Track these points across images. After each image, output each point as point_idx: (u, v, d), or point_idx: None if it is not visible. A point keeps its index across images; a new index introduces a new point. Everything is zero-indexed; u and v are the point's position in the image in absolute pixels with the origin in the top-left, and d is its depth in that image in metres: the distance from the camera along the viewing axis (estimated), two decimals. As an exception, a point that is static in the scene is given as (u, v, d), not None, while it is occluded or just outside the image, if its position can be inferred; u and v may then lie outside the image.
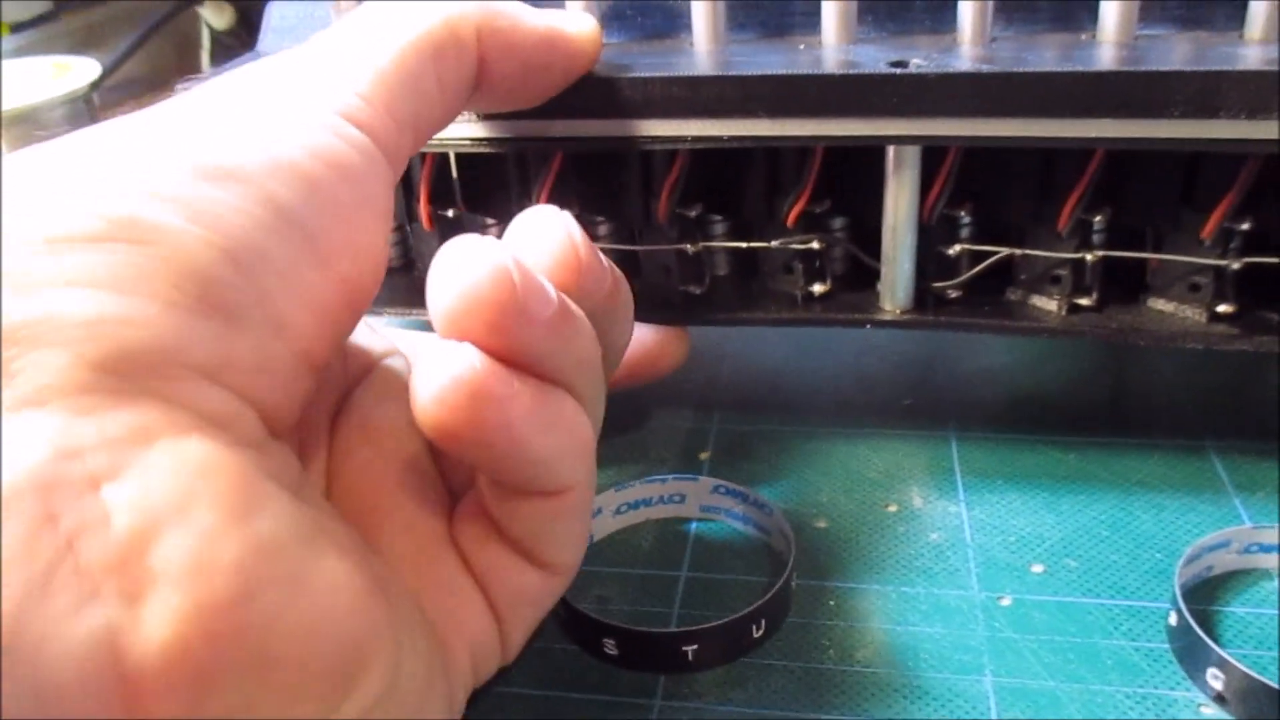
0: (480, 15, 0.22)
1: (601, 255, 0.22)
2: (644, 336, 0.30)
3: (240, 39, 0.66)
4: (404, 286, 0.33)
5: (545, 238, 0.21)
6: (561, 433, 0.20)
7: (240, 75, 0.20)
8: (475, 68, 0.23)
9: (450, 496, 0.22)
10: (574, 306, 0.20)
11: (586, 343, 0.21)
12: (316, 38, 0.22)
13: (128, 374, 0.15)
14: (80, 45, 0.64)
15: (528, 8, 0.24)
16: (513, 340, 0.18)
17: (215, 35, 0.67)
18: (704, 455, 0.32)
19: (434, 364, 0.18)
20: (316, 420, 0.22)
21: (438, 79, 0.22)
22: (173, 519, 0.15)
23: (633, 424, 0.33)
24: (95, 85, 0.49)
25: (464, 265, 0.18)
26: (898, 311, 0.29)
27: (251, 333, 0.17)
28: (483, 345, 0.18)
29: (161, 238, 0.16)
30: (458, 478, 0.22)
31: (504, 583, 0.21)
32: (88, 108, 0.49)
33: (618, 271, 0.23)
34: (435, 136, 0.27)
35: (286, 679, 0.16)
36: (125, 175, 0.17)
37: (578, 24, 0.25)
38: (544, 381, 0.19)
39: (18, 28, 0.67)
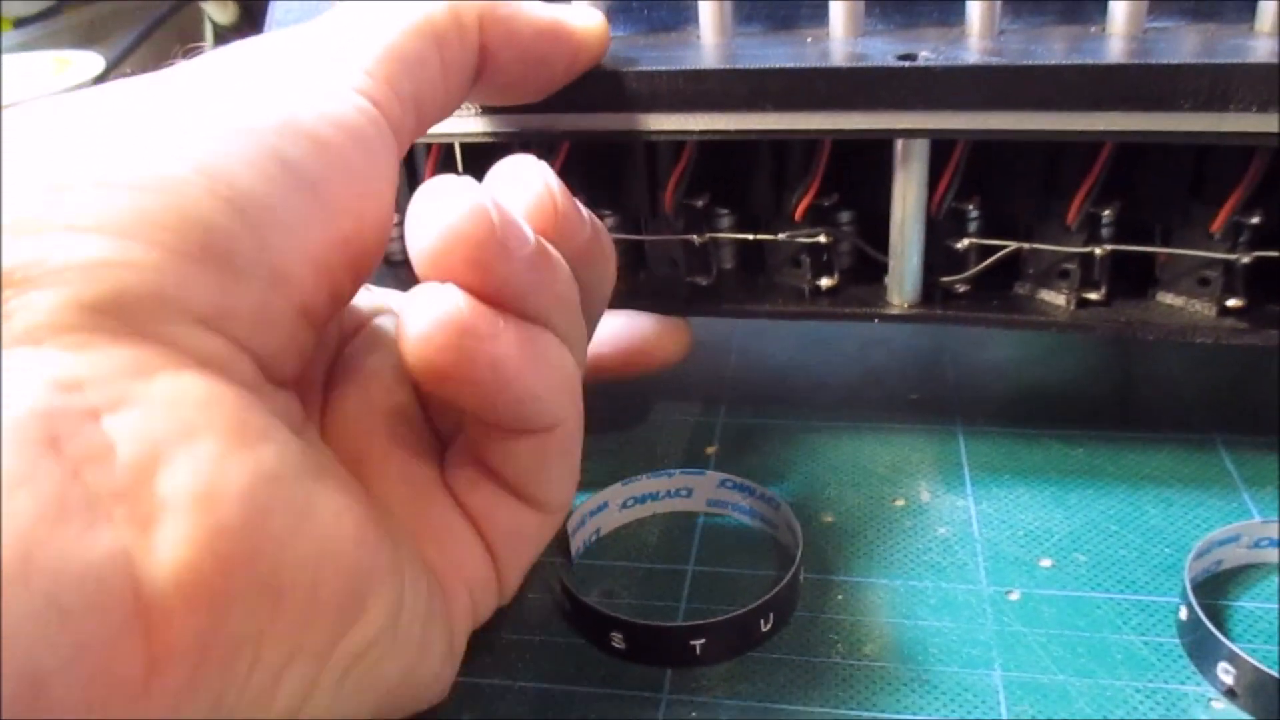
0: (483, 3, 0.23)
1: (580, 205, 0.23)
2: (644, 326, 0.30)
3: (243, 34, 0.66)
4: (408, 279, 0.33)
5: (522, 184, 0.21)
6: (547, 369, 0.20)
7: (250, 44, 0.21)
8: (477, 54, 0.23)
9: (440, 443, 0.23)
10: (551, 248, 0.21)
11: (565, 282, 0.21)
12: (323, 16, 0.22)
13: (124, 316, 0.15)
14: (83, 40, 0.64)
15: (533, 1, 0.24)
16: (494, 276, 0.19)
17: (218, 30, 0.67)
18: (710, 450, 0.32)
19: (420, 306, 0.18)
20: (312, 376, 0.22)
21: (440, 62, 0.22)
22: (177, 447, 0.15)
23: (638, 418, 0.33)
24: (98, 80, 0.49)
25: (443, 204, 0.18)
26: (905, 305, 0.29)
27: (252, 284, 0.17)
28: (464, 284, 0.19)
29: (167, 185, 0.16)
30: (446, 424, 0.23)
31: (498, 523, 0.22)
32: (91, 102, 0.48)
33: (598, 221, 0.24)
34: (442, 129, 0.27)
35: (296, 605, 0.16)
36: (133, 124, 0.17)
37: (583, 18, 0.25)
38: (526, 320, 0.20)
39: (21, 23, 0.67)
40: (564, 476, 0.22)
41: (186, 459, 0.15)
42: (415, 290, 0.19)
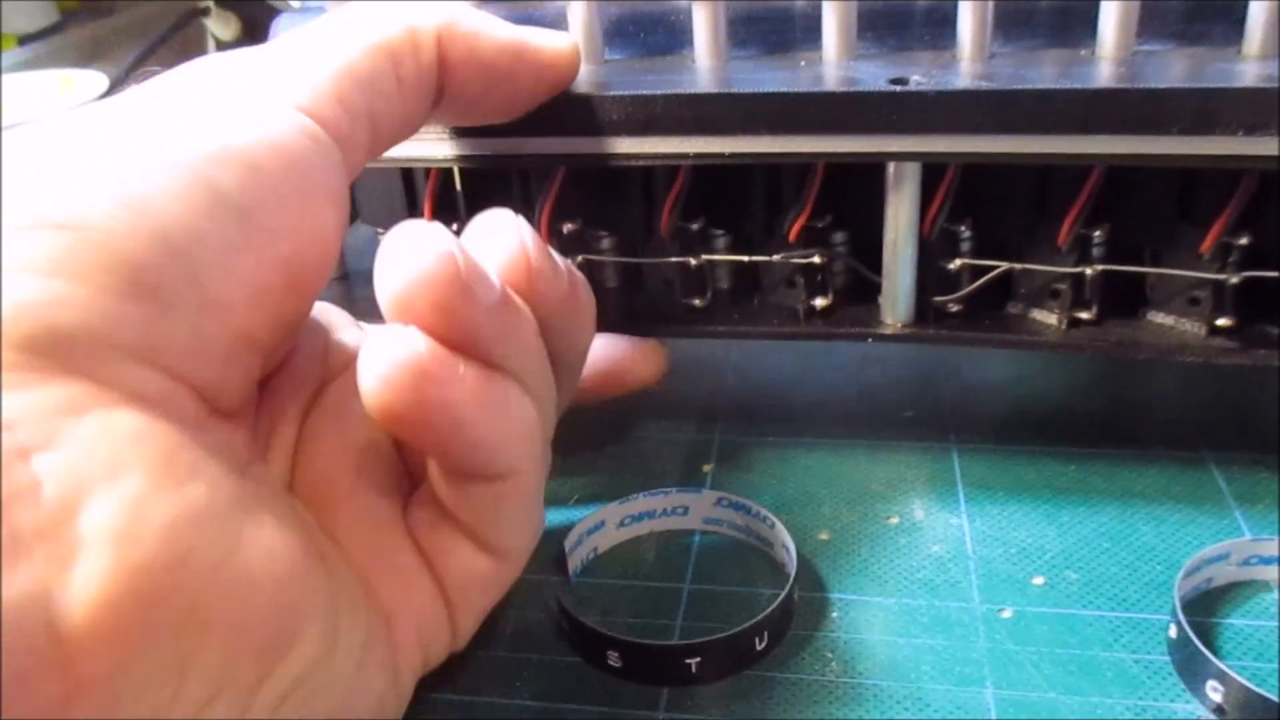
0: (442, 21, 0.23)
1: (558, 258, 0.23)
2: (619, 348, 0.30)
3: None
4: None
5: (495, 240, 0.22)
6: (506, 417, 0.20)
7: (195, 66, 0.21)
8: (435, 70, 0.23)
9: (410, 482, 0.23)
10: (517, 298, 0.21)
11: (530, 333, 0.21)
12: (280, 37, 0.22)
13: (56, 354, 0.16)
14: (87, 57, 0.65)
15: (497, 20, 0.25)
16: (457, 322, 0.19)
17: (221, 47, 0.67)
18: (707, 467, 0.32)
19: (380, 346, 0.18)
20: (288, 409, 0.22)
21: (396, 78, 0.22)
22: (102, 485, 0.15)
23: (635, 435, 0.34)
24: (102, 98, 0.49)
25: (411, 249, 0.19)
26: (899, 325, 0.29)
27: (185, 316, 0.17)
28: (428, 328, 0.19)
29: (94, 222, 0.16)
30: (418, 465, 0.23)
31: (453, 566, 0.22)
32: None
33: (578, 274, 0.24)
34: (441, 153, 0.27)
35: (220, 640, 0.16)
36: (61, 162, 0.17)
37: (550, 40, 0.25)
38: (489, 367, 0.20)
39: (24, 40, 0.68)
40: (519, 525, 0.22)
41: (110, 496, 0.15)
42: (378, 330, 0.19)
